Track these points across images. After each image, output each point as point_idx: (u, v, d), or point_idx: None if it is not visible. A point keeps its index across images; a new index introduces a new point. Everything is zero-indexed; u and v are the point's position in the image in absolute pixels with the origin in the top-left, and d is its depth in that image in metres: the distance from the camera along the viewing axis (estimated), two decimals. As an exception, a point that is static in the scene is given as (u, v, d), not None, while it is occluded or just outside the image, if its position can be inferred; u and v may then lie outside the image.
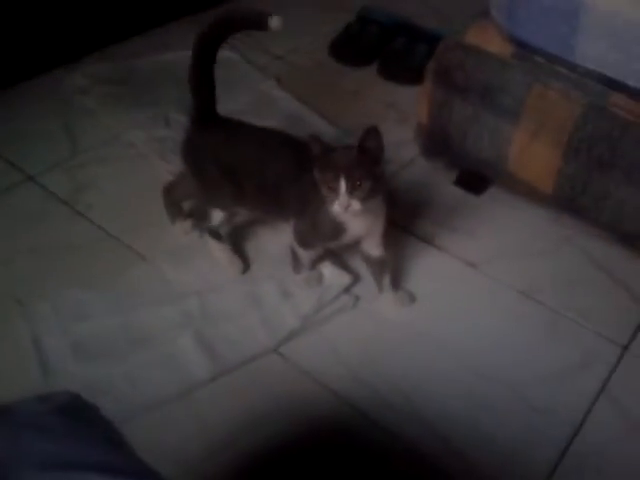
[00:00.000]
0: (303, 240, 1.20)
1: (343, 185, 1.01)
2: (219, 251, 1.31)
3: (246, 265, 1.32)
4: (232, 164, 1.19)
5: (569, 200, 1.27)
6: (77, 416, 0.60)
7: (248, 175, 1.19)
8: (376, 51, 1.94)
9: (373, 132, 1.04)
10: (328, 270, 1.29)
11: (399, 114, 1.73)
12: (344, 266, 1.32)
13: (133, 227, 1.40)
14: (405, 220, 1.44)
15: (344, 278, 1.28)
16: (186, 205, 1.41)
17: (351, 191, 1.02)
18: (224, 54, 1.95)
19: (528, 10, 1.23)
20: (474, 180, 1.51)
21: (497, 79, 1.26)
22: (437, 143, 1.44)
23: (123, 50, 1.93)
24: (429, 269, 1.34)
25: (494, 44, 1.28)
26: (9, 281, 1.29)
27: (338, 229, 1.12)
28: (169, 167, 1.55)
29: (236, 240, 1.37)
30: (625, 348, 1.20)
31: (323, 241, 1.20)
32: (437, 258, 1.37)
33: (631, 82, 1.14)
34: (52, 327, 1.19)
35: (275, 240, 1.37)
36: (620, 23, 1.13)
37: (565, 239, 1.40)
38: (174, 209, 1.38)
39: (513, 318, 1.25)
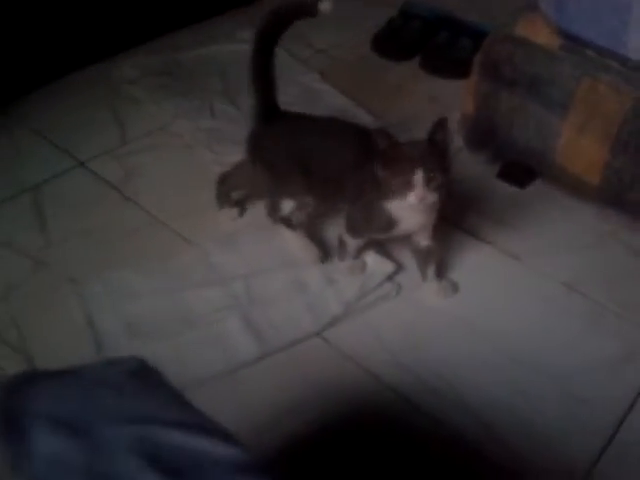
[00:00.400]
0: (354, 229, 1.22)
1: (420, 177, 1.02)
2: (294, 239, 1.32)
3: (325, 253, 1.33)
4: (298, 154, 1.22)
5: (616, 194, 1.26)
6: (146, 378, 0.63)
7: (313, 164, 1.21)
8: (418, 45, 1.95)
9: (442, 124, 1.05)
10: (371, 258, 1.31)
11: (442, 108, 1.72)
12: (387, 255, 1.34)
13: (180, 213, 1.44)
14: (449, 212, 1.44)
15: (387, 266, 1.30)
16: (235, 195, 1.44)
17: (427, 183, 1.03)
18: (268, 48, 2.00)
19: (578, 3, 1.23)
20: (517, 173, 1.50)
21: (545, 72, 1.27)
22: (482, 134, 1.44)
23: (170, 42, 1.98)
24: (473, 261, 1.35)
25: (542, 36, 1.28)
26: (63, 261, 1.33)
27: (390, 222, 1.14)
28: (214, 157, 1.58)
29: (312, 230, 1.38)
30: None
31: (374, 232, 1.21)
32: (481, 250, 1.37)
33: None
34: (104, 306, 1.23)
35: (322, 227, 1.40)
36: (673, 15, 1.13)
37: (610, 233, 1.39)
38: (224, 197, 1.41)
39: (556, 310, 1.25)
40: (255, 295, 1.25)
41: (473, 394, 1.12)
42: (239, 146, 1.61)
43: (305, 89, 1.83)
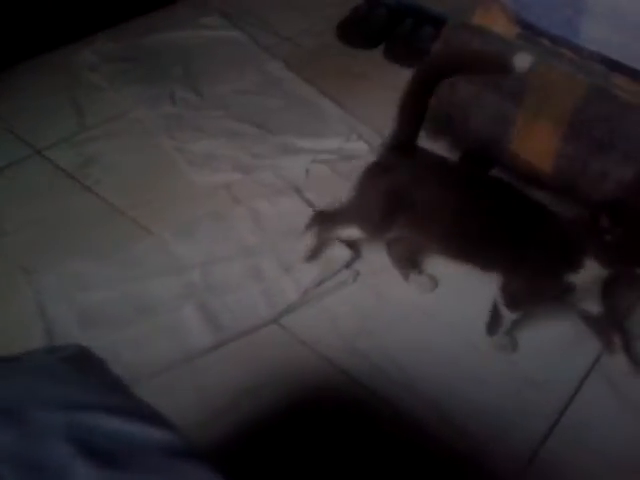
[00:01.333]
0: (517, 303, 1.13)
1: None
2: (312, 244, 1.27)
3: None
4: (425, 200, 1.11)
5: (568, 180, 1.28)
6: (86, 365, 0.63)
7: (452, 216, 1.11)
8: (383, 34, 1.95)
9: None
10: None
11: (404, 96, 1.74)
12: (346, 242, 1.34)
13: (139, 202, 1.42)
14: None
15: (345, 254, 1.30)
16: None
17: None
18: (231, 34, 1.99)
19: (534, -8, 1.24)
20: (476, 162, 1.52)
21: (501, 60, 1.28)
22: (441, 123, 1.45)
23: (132, 28, 1.94)
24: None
25: (500, 25, 1.29)
26: (17, 250, 1.31)
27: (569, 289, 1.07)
28: (175, 143, 1.57)
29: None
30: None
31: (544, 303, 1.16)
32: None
33: (634, 64, 1.16)
34: (57, 296, 1.21)
35: (277, 216, 1.39)
36: (625, 5, 1.15)
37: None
38: (324, 238, 1.30)
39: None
40: (212, 283, 1.24)
41: (427, 379, 1.13)
42: (200, 132, 1.61)
43: (268, 77, 1.82)
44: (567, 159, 1.25)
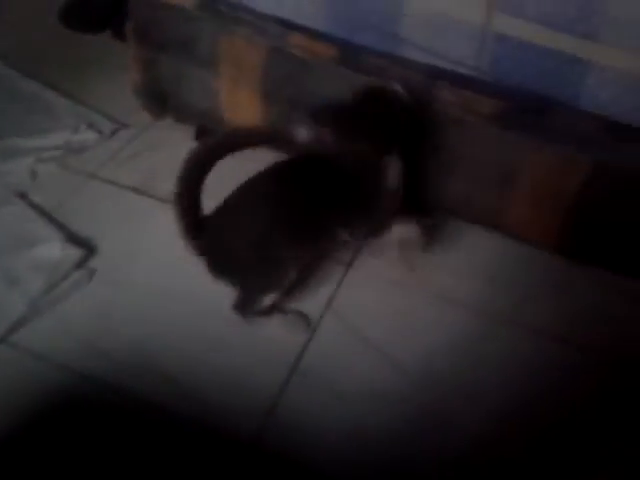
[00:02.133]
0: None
1: None
2: (279, 326, 1.19)
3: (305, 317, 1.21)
4: (259, 228, 1.08)
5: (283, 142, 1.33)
6: None
7: (296, 218, 1.09)
8: (110, 14, 1.87)
9: None
10: (57, 247, 1.27)
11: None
12: (76, 240, 1.30)
13: None
14: (147, 182, 1.44)
15: (75, 253, 1.27)
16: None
17: None
18: None
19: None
20: (211, 133, 1.53)
21: (188, 32, 1.28)
22: (156, 101, 1.44)
23: None
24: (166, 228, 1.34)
25: (180, -4, 1.29)
26: None
27: None
28: None
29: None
30: (349, 265, 1.31)
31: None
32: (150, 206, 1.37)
33: (301, 20, 1.21)
34: None
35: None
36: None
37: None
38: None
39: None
40: None
41: (172, 361, 1.14)
42: None
43: (-15, 79, 1.69)
44: (275, 120, 1.30)
